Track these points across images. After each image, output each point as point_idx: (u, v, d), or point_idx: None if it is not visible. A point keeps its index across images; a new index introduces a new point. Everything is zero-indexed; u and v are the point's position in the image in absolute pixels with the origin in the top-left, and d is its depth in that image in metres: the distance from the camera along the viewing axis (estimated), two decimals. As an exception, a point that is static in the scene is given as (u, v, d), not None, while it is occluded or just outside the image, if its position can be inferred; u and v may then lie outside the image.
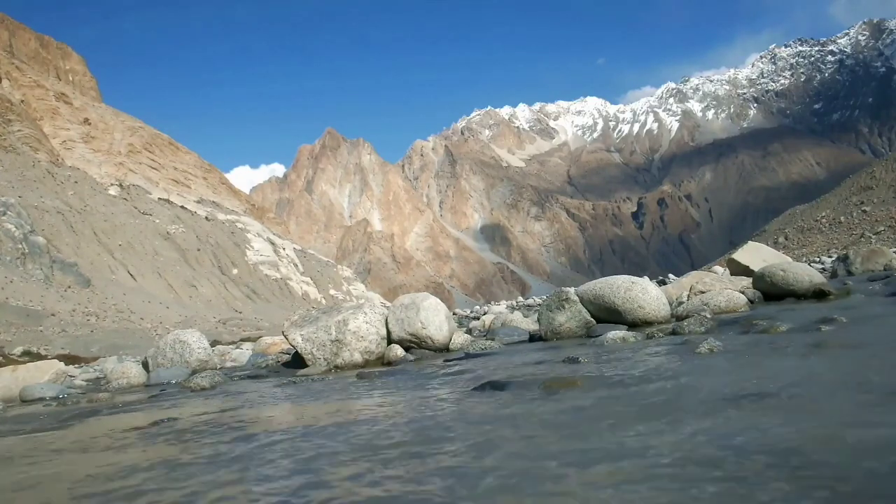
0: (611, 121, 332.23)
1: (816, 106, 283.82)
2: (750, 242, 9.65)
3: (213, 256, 58.55)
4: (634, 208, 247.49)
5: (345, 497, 1.62)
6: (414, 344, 5.43)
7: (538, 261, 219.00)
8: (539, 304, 10.94)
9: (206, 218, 65.55)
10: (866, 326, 3.56)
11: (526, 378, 3.17)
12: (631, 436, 1.86)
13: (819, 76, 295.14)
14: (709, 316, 4.76)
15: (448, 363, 4.48)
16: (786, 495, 1.30)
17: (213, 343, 15.70)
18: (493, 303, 42.72)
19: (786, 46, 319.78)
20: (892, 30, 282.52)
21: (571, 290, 5.51)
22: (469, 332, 7.91)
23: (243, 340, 23.75)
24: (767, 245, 10.92)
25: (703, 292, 5.91)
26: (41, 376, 6.51)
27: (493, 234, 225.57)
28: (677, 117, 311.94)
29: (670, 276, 20.85)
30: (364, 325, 5.37)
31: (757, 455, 1.55)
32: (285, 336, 5.56)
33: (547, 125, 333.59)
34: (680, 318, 4.97)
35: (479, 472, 1.69)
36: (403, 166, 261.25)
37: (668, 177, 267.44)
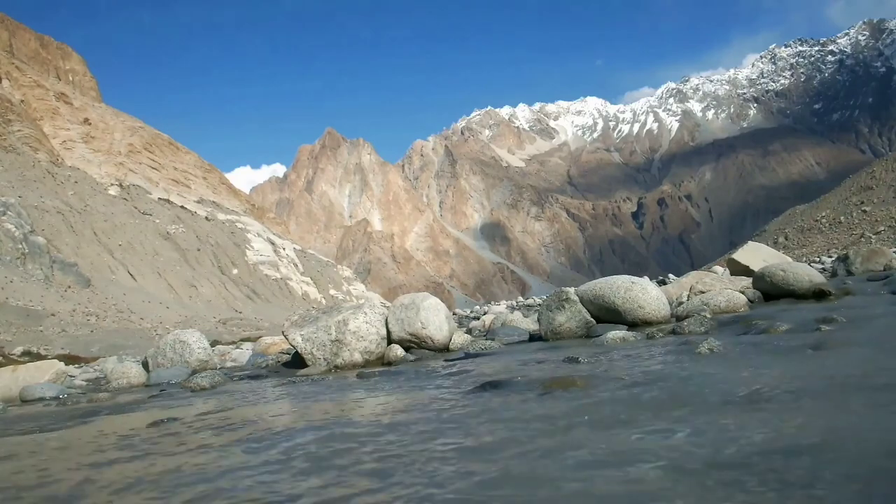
0: (611, 121, 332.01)
1: (816, 106, 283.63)
2: (750, 242, 9.65)
3: (213, 256, 58.53)
4: (634, 208, 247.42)
5: (345, 496, 1.62)
6: (414, 344, 5.42)
7: (538, 261, 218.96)
8: (539, 304, 10.93)
9: (206, 218, 65.53)
10: (866, 326, 3.55)
11: (526, 378, 3.16)
12: (631, 436, 1.86)
13: (819, 76, 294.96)
14: (709, 316, 4.75)
15: (448, 363, 4.48)
16: (786, 496, 1.30)
17: (213, 343, 15.70)
18: (492, 303, 42.70)
19: (786, 46, 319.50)
20: (892, 30, 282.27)
21: (571, 290, 5.50)
22: (469, 332, 7.91)
23: (243, 340, 23.75)
24: (767, 245, 10.92)
25: (703, 292, 5.91)
26: (41, 376, 6.51)
27: (493, 234, 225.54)
28: (677, 117, 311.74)
29: (670, 276, 20.85)
30: (364, 325, 5.37)
31: (757, 456, 1.55)
32: (285, 336, 5.55)
33: (547, 125, 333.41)
34: (680, 318, 4.97)
35: (476, 472, 1.69)
36: (403, 166, 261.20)
37: (668, 177, 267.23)
